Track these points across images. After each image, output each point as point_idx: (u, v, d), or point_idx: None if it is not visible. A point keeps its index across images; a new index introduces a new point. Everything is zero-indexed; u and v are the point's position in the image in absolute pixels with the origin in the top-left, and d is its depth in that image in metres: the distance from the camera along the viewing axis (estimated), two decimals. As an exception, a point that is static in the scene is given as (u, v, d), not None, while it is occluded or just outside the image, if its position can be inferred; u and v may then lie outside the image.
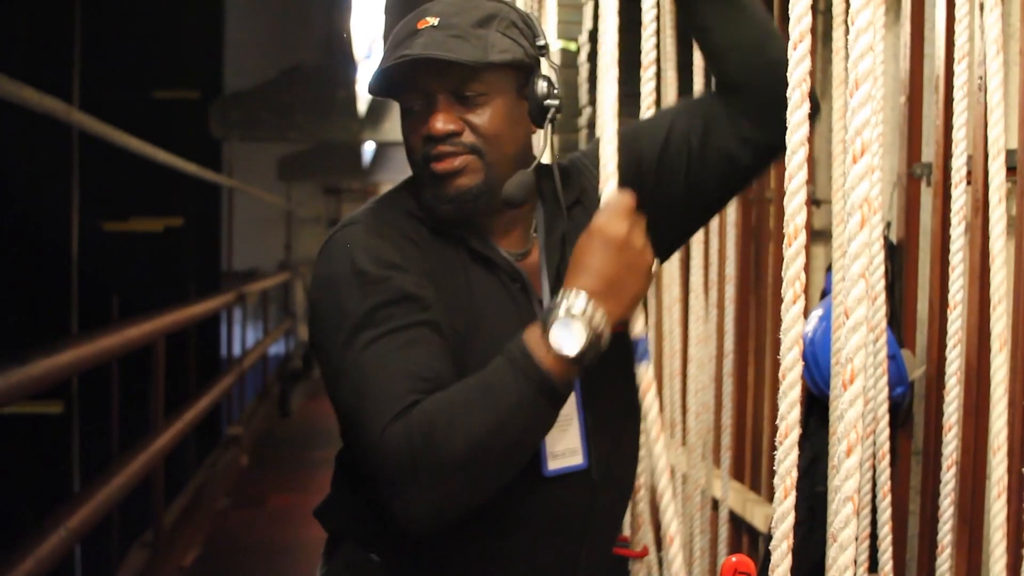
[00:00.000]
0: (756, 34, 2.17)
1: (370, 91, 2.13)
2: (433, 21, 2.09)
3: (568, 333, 1.93)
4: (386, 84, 2.12)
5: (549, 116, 2.14)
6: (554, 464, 2.12)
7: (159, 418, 7.17)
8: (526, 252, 2.19)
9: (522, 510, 2.11)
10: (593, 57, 4.65)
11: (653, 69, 2.36)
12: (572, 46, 5.04)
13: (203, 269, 12.51)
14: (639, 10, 2.39)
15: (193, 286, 9.62)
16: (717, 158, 2.20)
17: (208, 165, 11.86)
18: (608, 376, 2.16)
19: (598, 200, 2.12)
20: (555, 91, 2.15)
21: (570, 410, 2.14)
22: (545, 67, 2.20)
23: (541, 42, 2.17)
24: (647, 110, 2.35)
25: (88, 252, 8.66)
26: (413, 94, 2.10)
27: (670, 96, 3.93)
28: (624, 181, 2.13)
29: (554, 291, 2.13)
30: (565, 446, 2.13)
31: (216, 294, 10.06)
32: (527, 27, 2.17)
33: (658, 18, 2.38)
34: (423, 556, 2.12)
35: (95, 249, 9.78)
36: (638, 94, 2.41)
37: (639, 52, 2.36)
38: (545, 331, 1.93)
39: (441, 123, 2.07)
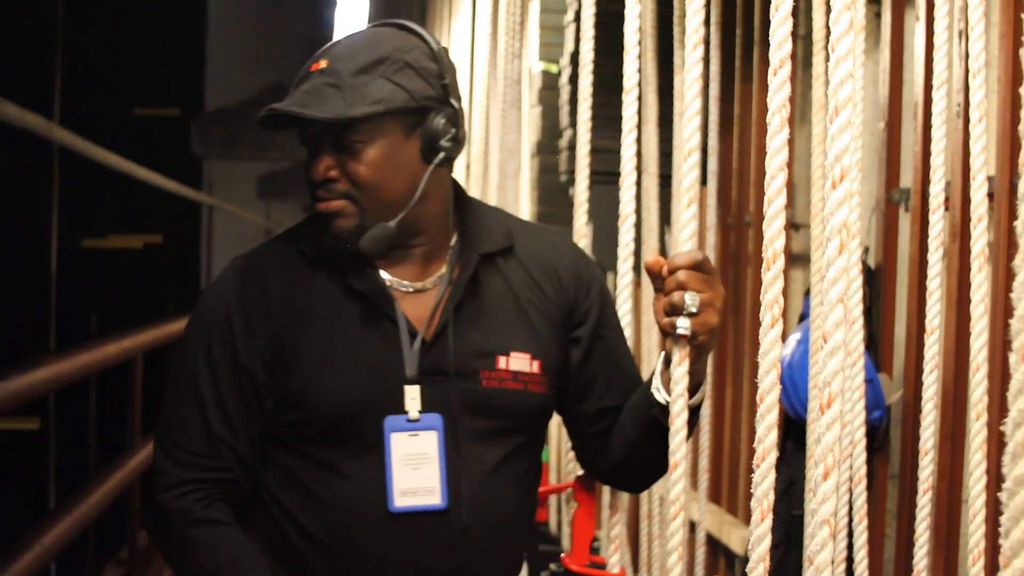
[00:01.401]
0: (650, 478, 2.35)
1: (265, 126, 2.19)
2: (323, 64, 2.14)
3: None
4: (285, 123, 2.18)
5: (440, 157, 2.17)
6: (403, 501, 2.14)
7: (136, 435, 7.15)
8: (425, 286, 2.22)
9: (369, 546, 2.14)
10: (574, 79, 4.67)
11: (635, 93, 2.37)
12: (553, 68, 5.07)
13: (182, 286, 12.48)
14: (619, 34, 2.40)
15: (172, 303, 9.60)
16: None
17: (188, 182, 11.84)
18: (493, 427, 2.19)
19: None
20: (453, 130, 2.17)
21: (428, 448, 2.15)
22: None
23: (446, 80, 2.17)
24: (628, 134, 2.36)
25: (67, 268, 8.63)
26: (304, 136, 2.17)
27: (651, 119, 3.94)
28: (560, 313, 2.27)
29: (440, 330, 2.17)
30: (419, 484, 2.14)
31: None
32: (430, 64, 2.17)
33: (640, 43, 2.39)
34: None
35: (74, 266, 9.75)
36: (620, 116, 2.42)
37: (620, 75, 2.37)
38: None
39: (320, 169, 2.15)
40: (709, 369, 3.86)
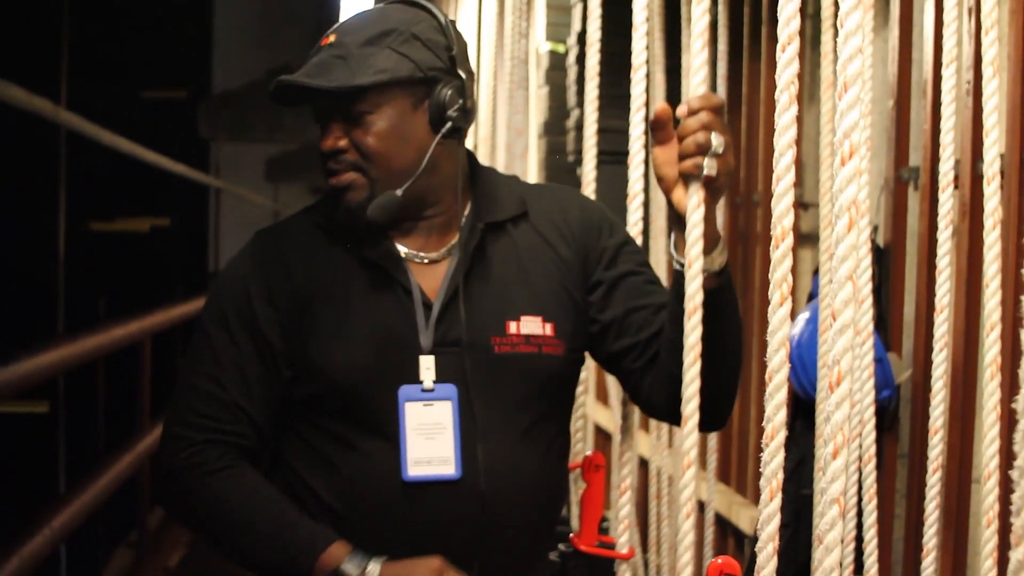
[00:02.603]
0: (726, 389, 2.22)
1: (276, 101, 2.24)
2: (332, 39, 2.19)
3: None
4: (296, 98, 2.22)
5: (447, 127, 2.19)
6: (416, 471, 2.15)
7: (145, 418, 7.16)
8: (439, 256, 2.24)
9: (385, 516, 2.16)
10: (581, 59, 4.65)
11: (643, 71, 2.36)
12: (561, 48, 5.05)
13: (190, 269, 12.49)
14: (626, 13, 2.39)
15: (180, 286, 9.60)
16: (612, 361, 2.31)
17: (196, 165, 11.84)
18: (509, 394, 2.20)
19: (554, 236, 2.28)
20: (461, 100, 2.20)
21: (443, 418, 2.17)
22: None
23: (453, 51, 2.20)
24: (636, 112, 2.35)
25: (75, 252, 8.65)
26: (316, 112, 2.22)
27: (659, 99, 3.93)
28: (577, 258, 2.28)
29: (448, 299, 2.20)
30: (433, 454, 2.16)
31: (203, 294, 10.05)
32: (437, 36, 2.20)
33: (647, 21, 2.38)
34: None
35: (82, 249, 9.76)
36: (627, 96, 2.40)
37: (627, 55, 2.36)
38: (336, 572, 2.10)
39: (329, 141, 2.18)
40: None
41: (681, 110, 1.99)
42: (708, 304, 1.96)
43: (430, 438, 2.16)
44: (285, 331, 2.18)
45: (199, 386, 2.19)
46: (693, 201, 1.97)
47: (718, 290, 2.06)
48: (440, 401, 2.17)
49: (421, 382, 2.17)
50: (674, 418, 2.13)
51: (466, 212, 2.27)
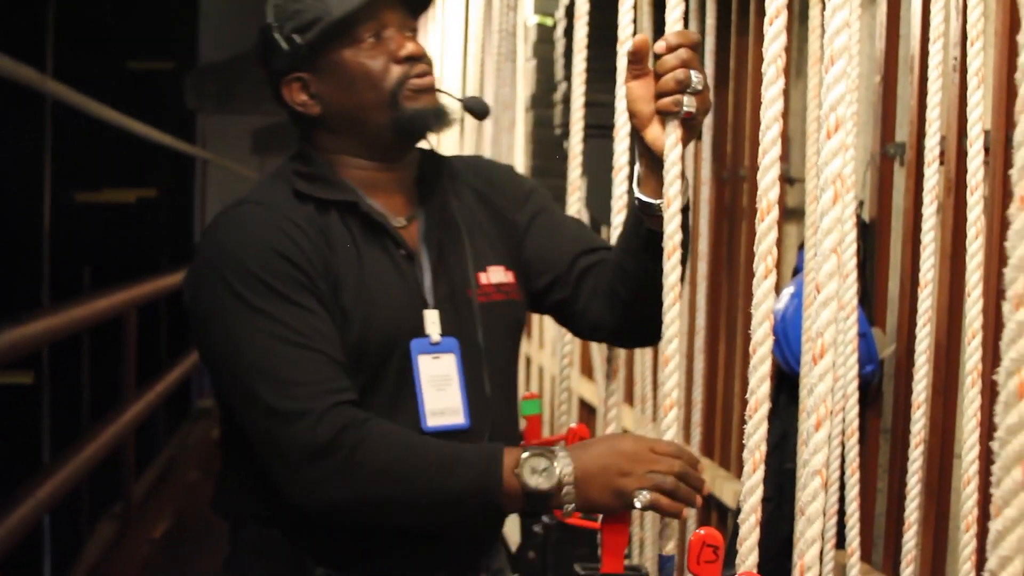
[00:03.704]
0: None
1: (347, 10, 2.23)
2: None
3: (539, 477, 2.04)
4: (334, 22, 2.23)
5: None
6: (434, 421, 2.22)
7: (130, 390, 7.16)
8: (407, 219, 2.31)
9: None
10: (569, 32, 4.64)
11: (630, 44, 2.35)
12: (549, 21, 5.04)
13: (176, 241, 12.46)
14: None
15: (165, 258, 9.58)
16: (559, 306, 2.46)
17: (182, 136, 11.81)
18: (493, 343, 2.31)
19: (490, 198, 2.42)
20: None
21: (448, 370, 2.24)
22: None
23: None
24: (623, 86, 2.35)
25: (60, 223, 8.62)
26: (365, 26, 2.23)
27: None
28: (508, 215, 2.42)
29: (437, 266, 2.28)
30: (445, 405, 2.23)
31: (187, 265, 10.01)
32: None
33: (635, -7, 2.37)
34: (324, 526, 2.19)
35: (67, 220, 9.73)
36: (614, 69, 2.41)
37: (615, 28, 2.36)
38: (522, 461, 2.03)
39: (415, 45, 2.25)
40: (701, 323, 3.88)
41: (659, 46, 2.00)
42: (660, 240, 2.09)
43: (441, 389, 2.22)
44: (328, 286, 2.17)
45: (284, 357, 2.06)
46: (671, 139, 1.99)
47: (681, 227, 2.11)
48: (445, 354, 2.24)
49: (428, 336, 2.23)
50: (616, 337, 2.43)
51: (414, 174, 2.37)
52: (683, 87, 1.98)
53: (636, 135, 2.09)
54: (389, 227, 2.26)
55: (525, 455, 2.04)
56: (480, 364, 2.28)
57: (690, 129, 2.02)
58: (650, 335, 2.36)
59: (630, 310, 2.33)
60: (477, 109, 2.34)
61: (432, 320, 2.24)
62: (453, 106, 2.30)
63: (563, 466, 2.04)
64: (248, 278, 2.10)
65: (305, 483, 2.04)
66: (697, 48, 2.01)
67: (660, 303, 2.11)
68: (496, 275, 2.35)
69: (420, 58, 2.25)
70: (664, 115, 2.01)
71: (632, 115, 2.07)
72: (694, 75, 1.98)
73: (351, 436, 2.03)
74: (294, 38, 2.23)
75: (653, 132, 2.04)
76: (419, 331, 2.23)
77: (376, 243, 2.24)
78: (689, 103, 1.98)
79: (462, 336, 2.26)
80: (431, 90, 2.26)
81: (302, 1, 2.23)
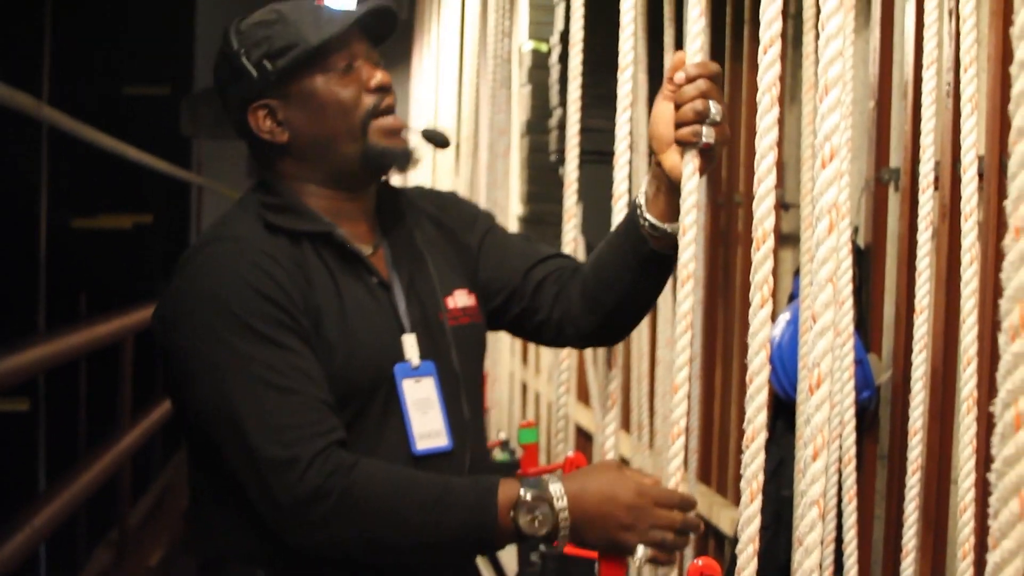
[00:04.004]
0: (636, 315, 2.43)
1: (323, 38, 2.22)
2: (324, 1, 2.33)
3: (535, 523, 2.03)
4: (310, 49, 2.22)
5: None
6: (423, 444, 2.22)
7: (126, 417, 7.14)
8: (373, 247, 2.32)
9: None
10: (564, 59, 4.65)
11: (630, 71, 2.36)
12: (543, 47, 5.05)
13: (172, 267, 12.43)
14: (608, 12, 2.39)
15: (162, 284, 9.56)
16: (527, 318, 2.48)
17: (178, 162, 11.81)
18: (466, 366, 2.34)
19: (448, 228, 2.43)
20: None
21: (429, 393, 2.25)
22: None
23: None
24: (623, 112, 2.35)
25: (56, 249, 8.62)
26: (339, 54, 2.23)
27: (642, 99, 3.93)
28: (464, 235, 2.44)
29: (408, 292, 2.29)
30: (430, 427, 2.23)
31: (160, 303, 9.97)
32: None
33: (634, 21, 2.38)
34: (309, 562, 2.15)
35: (63, 246, 9.73)
36: (610, 95, 2.41)
37: (610, 54, 2.37)
38: (519, 502, 2.02)
39: (383, 75, 2.26)
40: (697, 349, 3.88)
41: (679, 77, 2.01)
42: (663, 262, 2.22)
43: (425, 412, 2.23)
44: (310, 322, 2.15)
45: (270, 402, 2.05)
46: (689, 169, 2.00)
47: (675, 250, 2.17)
48: (425, 377, 2.25)
49: (409, 360, 2.24)
50: (586, 341, 2.49)
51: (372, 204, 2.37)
52: (702, 118, 1.99)
53: (652, 158, 2.12)
54: (363, 256, 2.26)
55: (522, 493, 2.03)
56: (457, 387, 2.30)
57: (708, 159, 2.03)
58: (620, 337, 2.48)
59: (611, 318, 2.39)
60: (436, 140, 2.35)
61: (411, 344, 2.25)
62: (419, 146, 2.33)
63: (560, 508, 2.03)
64: (231, 320, 2.08)
65: (301, 527, 2.03)
66: (717, 79, 2.02)
67: (643, 312, 2.28)
68: (461, 299, 2.37)
69: (389, 88, 2.26)
70: (683, 145, 2.02)
71: (652, 137, 2.09)
72: (713, 106, 1.99)
73: (341, 480, 2.01)
74: (264, 64, 2.21)
75: (672, 159, 2.07)
76: (400, 356, 2.24)
77: (351, 272, 2.24)
78: (708, 134, 1.99)
79: (438, 360, 2.28)
80: (400, 131, 2.26)
81: (271, 27, 2.22)
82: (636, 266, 2.26)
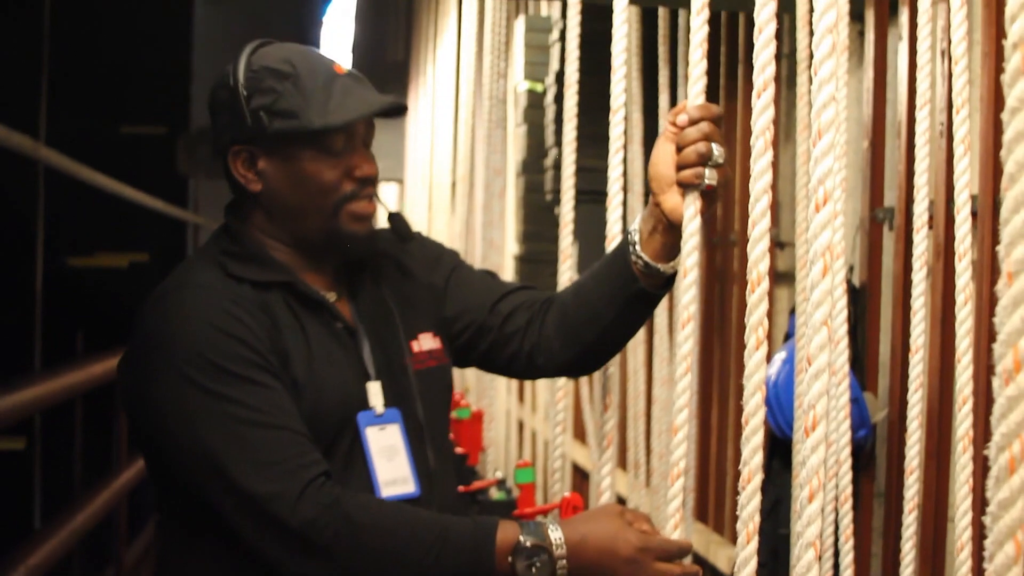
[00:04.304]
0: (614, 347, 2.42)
1: (327, 125, 2.17)
2: (344, 69, 2.23)
3: (532, 569, 2.02)
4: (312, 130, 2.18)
5: None
6: (388, 491, 2.20)
7: (123, 455, 7.13)
8: (337, 295, 2.30)
9: None
10: (559, 98, 4.66)
11: (622, 113, 2.38)
12: (539, 87, 5.07)
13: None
14: (603, 52, 2.41)
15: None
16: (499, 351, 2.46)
17: (174, 201, 11.83)
18: (431, 413, 2.31)
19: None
20: None
21: (395, 440, 2.23)
22: None
23: None
24: (615, 154, 2.37)
25: (53, 287, 8.62)
26: (338, 136, 2.19)
27: (636, 139, 3.95)
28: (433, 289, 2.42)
29: (372, 339, 2.28)
30: (395, 474, 2.22)
31: (125, 354, 9.95)
32: None
33: (626, 62, 2.39)
34: None
35: (60, 284, 9.73)
36: (605, 135, 2.42)
37: (605, 94, 2.38)
38: (518, 548, 2.02)
39: (373, 167, 2.23)
40: (695, 387, 3.88)
41: (681, 120, 2.03)
42: (650, 300, 2.24)
43: (390, 460, 2.21)
44: (274, 364, 2.13)
45: (251, 440, 2.03)
46: (690, 211, 2.01)
47: (664, 288, 2.25)
48: (390, 424, 2.23)
49: (373, 408, 2.22)
50: (561, 371, 2.50)
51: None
52: (704, 160, 2.01)
53: (651, 198, 2.13)
54: (327, 302, 2.24)
55: (522, 540, 2.02)
56: (422, 437, 2.27)
57: (710, 200, 2.05)
58: (594, 369, 2.51)
59: (588, 351, 2.39)
60: (400, 229, 2.33)
61: (375, 392, 2.23)
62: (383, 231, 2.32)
63: (559, 556, 2.03)
64: (202, 364, 2.05)
65: (301, 560, 2.01)
66: (719, 122, 2.04)
67: (621, 346, 2.31)
68: (426, 342, 2.36)
69: (373, 180, 2.23)
70: (684, 186, 2.03)
71: (652, 178, 2.10)
72: (716, 148, 2.01)
73: (335, 514, 2.01)
74: (261, 116, 2.17)
75: (673, 200, 2.08)
76: (364, 403, 2.22)
77: (316, 318, 2.22)
78: (711, 176, 2.01)
79: (403, 406, 2.25)
80: (370, 217, 2.24)
81: (282, 82, 2.17)
82: (622, 303, 2.27)
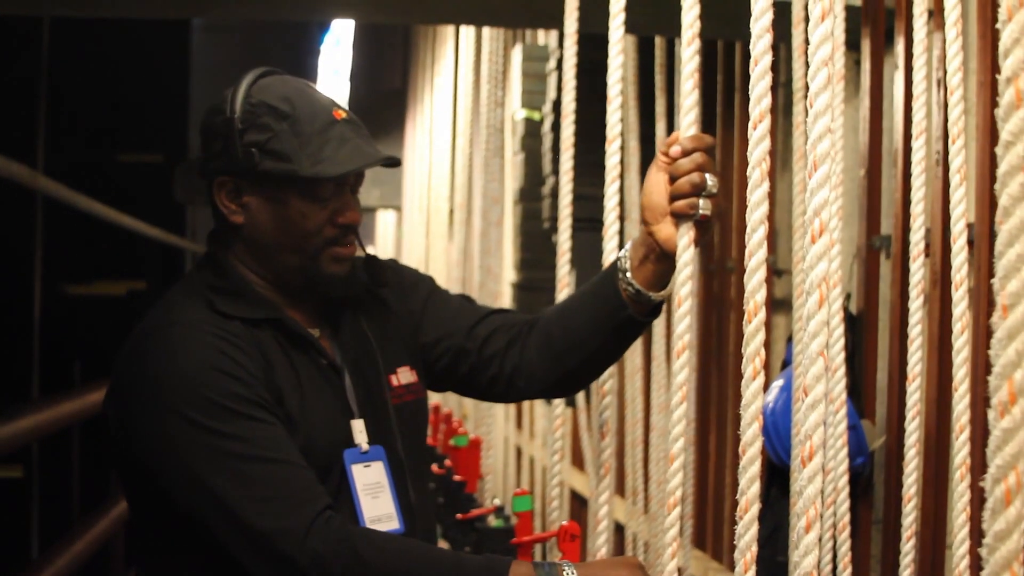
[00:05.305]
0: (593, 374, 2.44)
1: (318, 175, 2.16)
2: (344, 114, 2.20)
3: None
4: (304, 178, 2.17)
5: None
6: (373, 528, 2.18)
7: (120, 484, 7.12)
8: (321, 329, 2.29)
9: None
10: (556, 127, 4.68)
11: (618, 143, 2.39)
12: (536, 115, 5.09)
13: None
14: (600, 80, 2.42)
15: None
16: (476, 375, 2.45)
17: (172, 229, 11.84)
18: (410, 449, 2.31)
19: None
20: None
21: (379, 477, 2.24)
22: None
23: None
24: (611, 183, 2.38)
25: (50, 316, 8.62)
26: (327, 184, 2.18)
27: (633, 167, 3.97)
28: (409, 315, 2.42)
29: (354, 376, 2.28)
30: (381, 511, 2.22)
31: (111, 395, 9.94)
32: None
33: (622, 92, 2.41)
34: None
35: (57, 313, 9.72)
36: (602, 163, 2.43)
37: (602, 122, 2.39)
38: None
39: (357, 214, 2.23)
40: (692, 415, 3.89)
41: (674, 150, 2.04)
42: (635, 326, 2.26)
43: (375, 497, 2.22)
44: (269, 399, 2.13)
45: (255, 476, 2.03)
46: (684, 241, 2.02)
47: (651, 315, 2.26)
48: (375, 461, 2.23)
49: (358, 445, 2.22)
50: (541, 394, 2.50)
51: None
52: (698, 190, 2.02)
53: (644, 227, 2.14)
54: (314, 339, 2.24)
55: (536, 572, 2.01)
56: (403, 473, 2.27)
57: (703, 230, 2.06)
58: (575, 392, 2.59)
59: (571, 375, 2.40)
60: (375, 277, 2.33)
61: (359, 429, 2.23)
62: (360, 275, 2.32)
63: None
64: (200, 402, 2.04)
65: None
66: (712, 152, 2.05)
67: (604, 370, 2.35)
68: (404, 376, 2.35)
69: (355, 227, 2.23)
70: (678, 216, 2.04)
71: (645, 208, 2.11)
72: (709, 178, 2.03)
73: (344, 549, 1.99)
74: (252, 152, 2.14)
75: (666, 230, 2.10)
76: (349, 441, 2.21)
77: (304, 355, 2.21)
78: (705, 206, 2.03)
79: (385, 443, 2.25)
80: (350, 259, 2.24)
81: (279, 122, 2.15)
82: (610, 330, 2.27)
